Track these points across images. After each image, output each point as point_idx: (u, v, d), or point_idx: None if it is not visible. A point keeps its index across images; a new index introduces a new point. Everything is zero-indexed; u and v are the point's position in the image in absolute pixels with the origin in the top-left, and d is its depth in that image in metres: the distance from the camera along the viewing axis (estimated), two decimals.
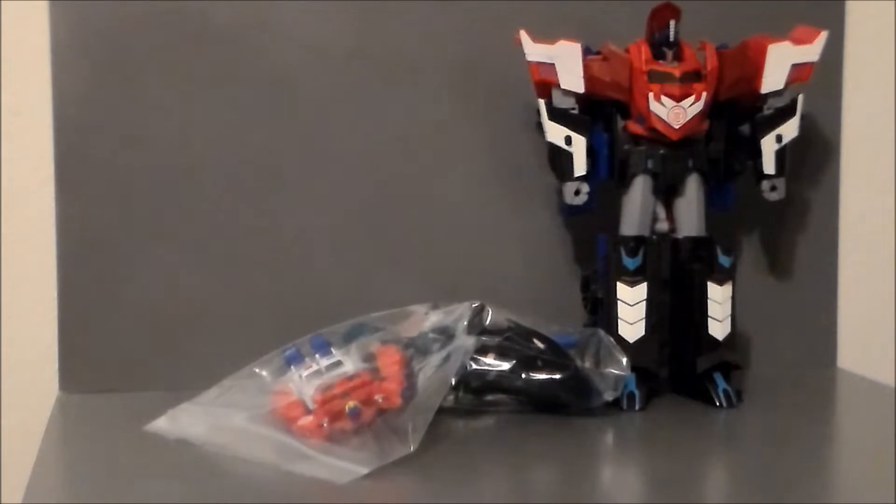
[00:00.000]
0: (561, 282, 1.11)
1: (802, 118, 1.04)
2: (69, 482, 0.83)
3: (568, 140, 1.01)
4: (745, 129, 1.05)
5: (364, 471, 0.81)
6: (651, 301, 1.01)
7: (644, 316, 1.01)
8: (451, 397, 0.98)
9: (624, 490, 0.82)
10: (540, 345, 0.98)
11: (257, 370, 0.93)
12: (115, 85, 1.05)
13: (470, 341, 0.92)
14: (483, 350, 0.96)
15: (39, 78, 1.06)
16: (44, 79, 1.06)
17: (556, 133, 1.02)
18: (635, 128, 1.02)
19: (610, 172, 1.04)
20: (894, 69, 1.20)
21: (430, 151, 1.10)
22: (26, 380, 1.08)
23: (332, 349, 0.90)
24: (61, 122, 1.05)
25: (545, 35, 1.01)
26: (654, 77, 1.00)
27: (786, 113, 1.03)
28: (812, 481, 0.83)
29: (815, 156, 1.17)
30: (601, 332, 0.99)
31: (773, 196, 1.05)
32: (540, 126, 1.03)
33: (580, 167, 1.02)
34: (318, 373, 0.88)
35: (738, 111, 1.05)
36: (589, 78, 1.01)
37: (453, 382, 0.94)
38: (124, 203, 1.06)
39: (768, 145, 1.04)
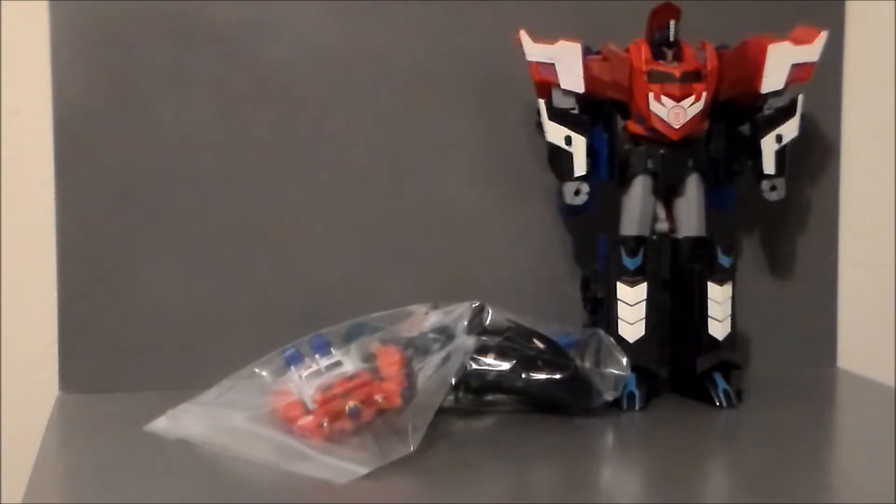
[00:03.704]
0: (561, 282, 1.11)
1: (802, 118, 1.04)
2: (69, 482, 0.83)
3: (568, 140, 1.01)
4: (745, 129, 1.05)
5: (364, 471, 0.81)
6: (651, 301, 1.01)
7: (644, 316, 1.01)
8: (451, 397, 0.98)
9: (624, 490, 0.82)
10: (540, 345, 0.98)
11: (257, 370, 0.93)
12: (115, 85, 1.05)
13: (470, 341, 0.92)
14: (483, 350, 0.97)
15: (39, 78, 1.06)
16: (44, 79, 1.06)
17: (556, 133, 1.02)
18: (635, 128, 1.02)
19: (610, 172, 1.04)
20: (894, 69, 1.20)
21: (430, 151, 1.10)
22: (26, 380, 1.08)
23: (332, 349, 0.90)
24: (61, 122, 1.05)
25: (545, 35, 1.01)
26: (654, 77, 1.00)
27: (786, 113, 1.03)
28: (812, 481, 0.83)
29: (815, 156, 1.17)
30: (601, 332, 0.99)
31: (773, 196, 1.05)
32: (540, 126, 1.03)
33: (580, 167, 1.02)
34: (317, 373, 0.89)
35: (738, 111, 1.05)
36: (589, 78, 1.01)
37: (453, 382, 0.94)
38: (124, 203, 1.06)
39: (768, 145, 1.04)
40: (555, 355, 0.98)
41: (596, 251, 1.03)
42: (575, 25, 1.07)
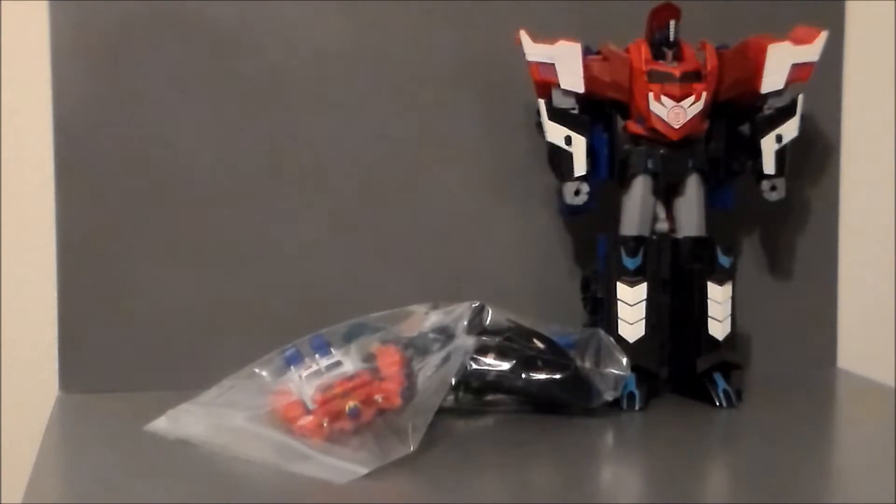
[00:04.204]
0: (561, 282, 1.11)
1: (802, 118, 1.04)
2: (69, 482, 0.83)
3: (568, 140, 1.01)
4: (745, 129, 1.05)
5: (364, 471, 0.82)
6: (651, 301, 1.01)
7: (644, 316, 1.01)
8: (451, 397, 0.98)
9: (624, 490, 0.82)
10: (540, 345, 0.98)
11: (257, 370, 0.93)
12: (115, 85, 1.05)
13: (470, 341, 0.92)
14: (483, 350, 0.97)
15: (39, 78, 1.06)
16: (44, 79, 1.06)
17: (556, 133, 1.02)
18: (635, 128, 1.02)
19: (610, 172, 1.04)
20: (894, 69, 1.20)
21: (430, 151, 1.10)
22: (26, 380, 1.08)
23: (332, 349, 0.90)
24: (61, 122, 1.05)
25: (545, 35, 1.01)
26: (654, 77, 1.00)
27: (786, 113, 1.03)
28: (812, 481, 0.83)
29: (815, 156, 1.17)
30: (601, 332, 0.99)
31: (773, 196, 1.05)
32: (540, 126, 1.03)
33: (580, 167, 1.02)
34: (317, 373, 0.88)
35: (738, 111, 1.05)
36: (589, 78, 1.01)
37: (453, 382, 0.94)
38: (124, 203, 1.06)
39: (768, 145, 1.04)
40: (555, 355, 0.98)
41: (596, 251, 1.03)
42: (575, 25, 1.07)
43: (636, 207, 1.02)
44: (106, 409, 1.00)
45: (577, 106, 1.02)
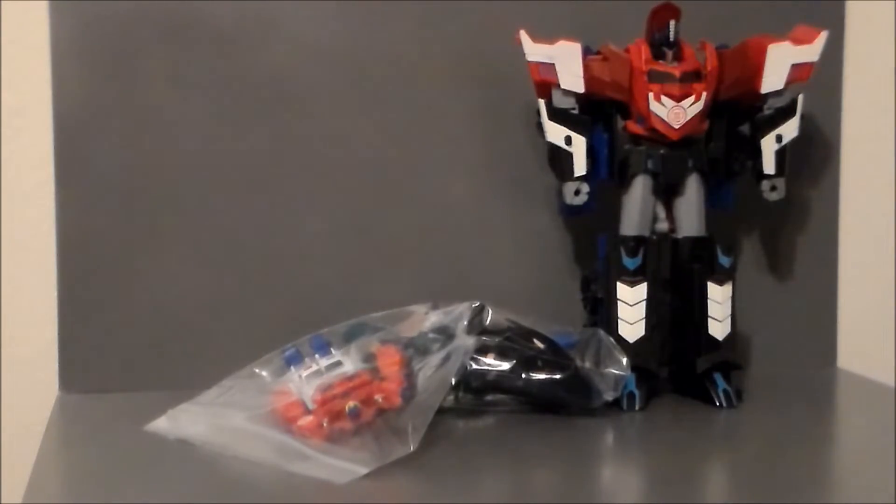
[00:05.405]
0: (561, 282, 1.11)
1: (802, 118, 1.04)
2: (69, 482, 0.83)
3: (568, 140, 1.01)
4: (745, 129, 1.05)
5: (364, 471, 0.82)
6: (651, 301, 1.01)
7: (644, 316, 1.01)
8: (451, 397, 0.98)
9: (624, 490, 0.82)
10: (540, 345, 0.98)
11: (257, 370, 0.93)
12: (115, 85, 1.05)
13: (470, 341, 0.92)
14: (483, 350, 0.97)
15: (39, 78, 1.06)
16: (44, 79, 1.06)
17: (556, 133, 1.02)
18: (635, 128, 1.02)
19: (610, 172, 1.04)
20: (894, 69, 1.20)
21: (430, 151, 1.10)
22: (26, 380, 1.08)
23: (332, 349, 0.90)
24: (61, 122, 1.05)
25: (545, 35, 1.01)
26: (654, 77, 1.00)
27: (786, 113, 1.03)
28: (812, 481, 0.83)
29: (815, 156, 1.17)
30: (601, 332, 0.99)
31: (773, 196, 1.05)
32: (540, 126, 1.03)
33: (580, 167, 1.02)
34: (317, 373, 0.89)
35: (738, 111, 1.05)
36: (589, 78, 1.01)
37: (453, 382, 0.94)
38: (124, 203, 1.06)
39: (768, 145, 1.04)
40: (555, 355, 0.98)
41: (596, 251, 1.03)
42: (575, 25, 1.07)
43: (636, 207, 1.02)
44: (106, 409, 1.00)
45: (577, 106, 1.02)
